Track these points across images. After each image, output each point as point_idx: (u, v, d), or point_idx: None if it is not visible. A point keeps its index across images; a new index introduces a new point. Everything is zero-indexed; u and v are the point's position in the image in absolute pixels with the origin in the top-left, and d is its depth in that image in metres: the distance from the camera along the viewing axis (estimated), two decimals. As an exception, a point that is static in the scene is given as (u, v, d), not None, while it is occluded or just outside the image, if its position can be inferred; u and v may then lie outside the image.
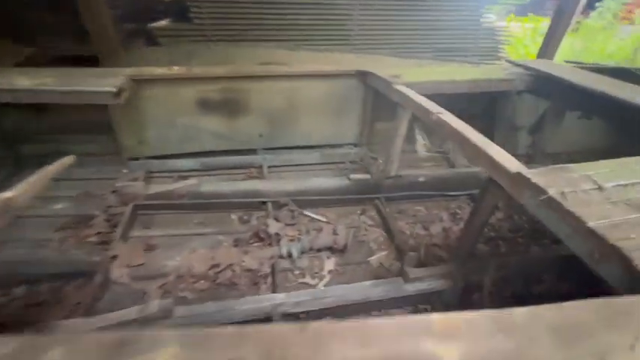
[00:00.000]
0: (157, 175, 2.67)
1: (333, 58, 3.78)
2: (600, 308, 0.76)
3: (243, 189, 2.52)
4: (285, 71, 2.75)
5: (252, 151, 2.94)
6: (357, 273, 2.19)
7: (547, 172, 1.25)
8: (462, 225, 2.79)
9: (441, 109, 1.84)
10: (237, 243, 2.26)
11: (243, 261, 2.07)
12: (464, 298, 1.82)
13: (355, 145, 3.15)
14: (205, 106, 2.63)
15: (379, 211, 2.73)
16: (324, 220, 2.57)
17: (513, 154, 3.50)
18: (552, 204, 1.11)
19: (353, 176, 2.66)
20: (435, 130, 1.80)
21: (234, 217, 2.50)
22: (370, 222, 2.66)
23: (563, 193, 1.13)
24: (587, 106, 2.43)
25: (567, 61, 3.56)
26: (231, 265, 2.05)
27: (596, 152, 3.72)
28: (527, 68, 2.62)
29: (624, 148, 3.13)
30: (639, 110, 1.87)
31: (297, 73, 2.77)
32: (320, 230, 2.46)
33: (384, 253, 2.37)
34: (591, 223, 1.00)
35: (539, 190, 1.16)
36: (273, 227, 2.32)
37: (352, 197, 2.69)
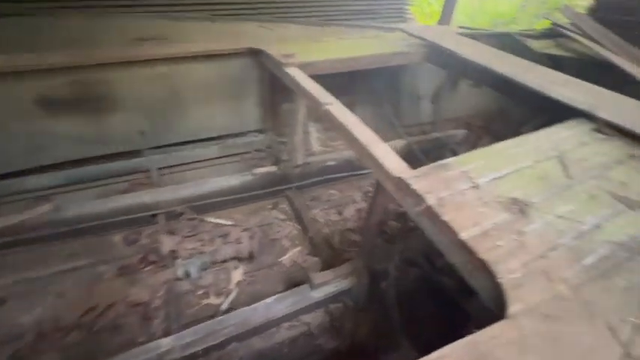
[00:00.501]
0: (1, 200, 2.07)
1: (229, 30, 3.28)
2: (465, 354, 0.70)
3: (124, 204, 2.11)
4: (158, 54, 2.25)
5: (135, 153, 2.47)
6: (269, 278, 2.05)
7: (428, 173, 1.18)
8: (374, 203, 2.83)
9: (331, 99, 1.66)
10: (122, 272, 1.91)
11: (129, 295, 1.76)
12: (373, 289, 1.81)
13: (260, 132, 2.87)
14: (52, 106, 2.05)
15: (291, 203, 2.58)
16: (231, 223, 2.33)
17: (419, 123, 3.72)
18: (430, 214, 1.04)
19: (257, 170, 2.42)
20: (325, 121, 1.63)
21: (117, 238, 2.10)
22: (282, 216, 2.50)
23: (440, 200, 1.06)
24: (475, 77, 2.50)
25: (461, 27, 3.66)
26: (113, 303, 1.72)
27: (490, 114, 4.08)
28: (421, 39, 2.56)
29: (513, 110, 3.44)
30: (515, 83, 1.94)
31: (176, 55, 2.30)
32: (227, 235, 2.22)
33: (297, 249, 2.26)
34: (463, 234, 0.95)
35: (418, 198, 1.08)
36: (167, 244, 2.00)
37: (260, 192, 2.48)
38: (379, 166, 1.25)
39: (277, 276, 2.06)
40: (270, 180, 2.47)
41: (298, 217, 2.47)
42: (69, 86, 2.05)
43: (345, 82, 2.92)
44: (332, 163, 2.69)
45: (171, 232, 2.11)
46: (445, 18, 6.37)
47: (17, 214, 1.91)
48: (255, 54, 2.47)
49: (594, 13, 3.59)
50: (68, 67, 1.98)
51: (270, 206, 2.57)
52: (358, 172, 2.88)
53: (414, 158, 2.99)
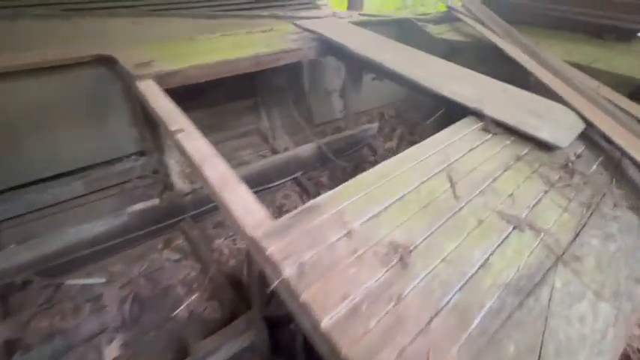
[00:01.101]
0: None
1: (85, 30, 2.63)
2: None
3: None
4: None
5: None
6: (157, 345, 1.67)
7: (291, 225, 0.91)
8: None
9: (183, 123, 1.30)
10: None
11: None
12: (278, 337, 1.55)
13: (141, 154, 2.37)
14: None
15: (187, 237, 2.18)
16: (102, 280, 1.86)
17: (332, 120, 3.52)
18: (288, 290, 0.78)
19: (133, 209, 1.96)
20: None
21: None
22: (176, 256, 2.10)
23: (301, 267, 0.80)
24: (372, 70, 2.34)
25: (362, 14, 3.50)
26: None
27: (402, 103, 4.06)
28: (313, 33, 2.30)
29: (422, 98, 3.41)
30: (407, 80, 1.78)
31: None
32: (99, 298, 1.76)
33: (194, 296, 1.90)
34: (325, 322, 0.71)
35: (275, 268, 0.81)
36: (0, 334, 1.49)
37: (143, 232, 2.03)
38: (232, 220, 0.95)
39: (168, 339, 1.69)
40: (153, 216, 2.03)
41: (196, 254, 2.09)
42: None
43: (245, 82, 2.55)
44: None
45: (7, 313, 1.58)
46: (355, 2, 6.25)
47: None
48: (110, 62, 1.96)
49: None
50: None
51: (160, 245, 2.14)
52: (269, 186, 2.58)
53: (326, 160, 2.78)
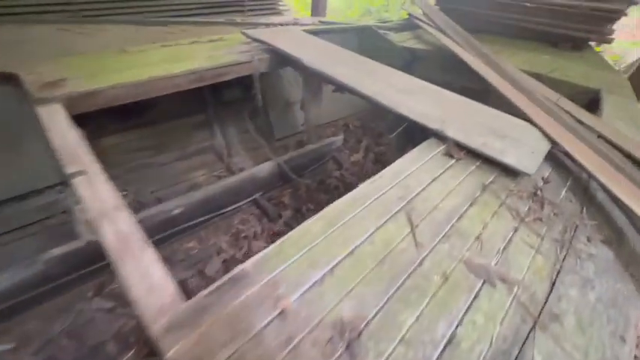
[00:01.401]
0: None
1: None
2: None
3: None
4: None
5: None
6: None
7: (207, 309, 0.70)
8: (246, 248, 2.34)
9: (87, 163, 1.04)
10: None
11: None
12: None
13: (66, 185, 2.04)
14: None
15: (124, 279, 1.88)
16: (10, 346, 1.53)
17: (295, 133, 3.32)
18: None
19: (50, 254, 1.64)
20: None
21: None
22: (109, 304, 1.80)
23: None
24: (330, 83, 2.17)
25: (322, 21, 3.35)
26: None
27: (368, 113, 3.94)
28: (262, 43, 2.09)
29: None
30: (364, 96, 1.62)
31: None
32: (6, 368, 1.44)
33: (130, 354, 1.61)
34: None
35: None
36: None
37: (64, 281, 1.71)
38: (131, 299, 0.72)
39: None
40: (78, 260, 1.72)
41: (136, 299, 1.80)
42: None
43: (192, 96, 2.28)
44: (178, 210, 2.06)
45: None
46: (318, 8, 6.12)
47: None
48: (13, 80, 1.64)
49: (440, 4, 3.67)
50: None
51: (90, 293, 1.83)
52: (224, 211, 2.33)
53: (288, 178, 2.57)
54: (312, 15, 6.10)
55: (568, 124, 1.61)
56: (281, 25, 3.37)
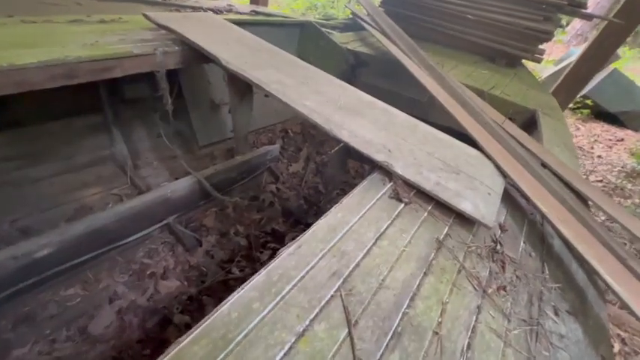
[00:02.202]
0: None
1: None
2: None
3: None
4: None
5: None
6: None
7: None
8: (152, 289, 1.85)
9: None
10: None
11: None
12: None
13: None
14: None
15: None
16: None
17: (222, 139, 2.85)
18: None
19: None
20: None
21: None
22: None
23: None
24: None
25: (254, 11, 2.92)
26: None
27: (301, 120, 3.61)
28: (170, 31, 1.62)
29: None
30: (298, 112, 1.29)
31: None
32: None
33: None
34: None
35: None
36: None
37: None
38: None
39: None
40: None
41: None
42: None
43: (82, 90, 1.68)
44: (47, 251, 1.50)
45: None
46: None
47: None
48: None
49: (385, 6, 3.50)
50: None
51: None
52: (125, 241, 1.81)
53: (207, 197, 2.13)
54: (250, 3, 5.56)
55: (517, 153, 1.48)
56: (212, 10, 2.86)
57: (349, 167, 2.78)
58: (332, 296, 0.71)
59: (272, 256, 2.11)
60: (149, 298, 1.76)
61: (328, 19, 3.46)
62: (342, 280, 0.75)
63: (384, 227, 0.91)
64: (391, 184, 1.08)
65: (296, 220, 2.45)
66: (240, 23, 2.06)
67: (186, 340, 0.57)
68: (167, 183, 2.27)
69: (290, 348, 0.60)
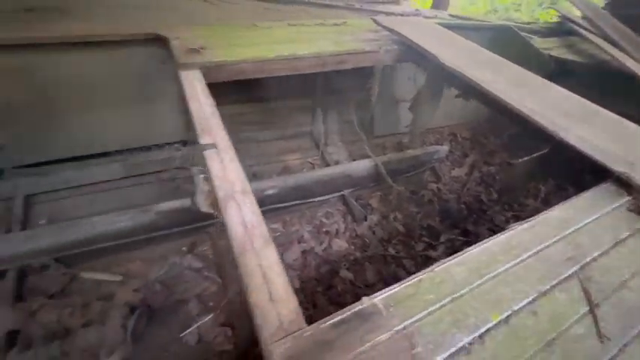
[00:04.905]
0: None
1: (149, 2, 2.51)
2: None
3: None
4: (9, 38, 1.55)
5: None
6: (157, 368, 1.48)
7: (332, 344, 0.59)
8: (327, 244, 2.25)
9: (219, 136, 1.03)
10: None
11: None
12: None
13: (185, 143, 2.21)
14: None
15: (214, 245, 1.98)
16: (118, 279, 1.72)
17: (395, 133, 3.09)
18: None
19: (161, 207, 1.78)
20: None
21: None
22: (199, 264, 1.90)
23: None
24: (459, 86, 1.90)
25: (452, 15, 2.98)
26: None
27: (480, 124, 3.47)
28: (393, 33, 1.90)
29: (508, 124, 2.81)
30: (511, 109, 1.34)
31: (39, 41, 1.60)
32: (112, 297, 1.62)
33: (208, 317, 1.68)
34: None
35: None
36: (4, 321, 1.39)
37: (169, 232, 1.85)
38: (251, 305, 0.65)
39: (171, 365, 1.49)
40: (181, 217, 1.84)
41: (220, 266, 1.88)
42: None
43: (304, 78, 2.24)
44: (271, 191, 2.07)
45: (20, 297, 1.49)
46: (441, 1, 5.60)
47: None
48: (164, 42, 1.77)
49: (613, 8, 2.95)
50: None
51: (185, 248, 1.96)
52: (308, 201, 2.28)
53: (380, 180, 2.39)
54: (432, 8, 5.62)
55: None
56: (401, 15, 3.12)
57: (530, 186, 2.55)
58: (569, 276, 0.77)
59: (426, 249, 2.23)
60: (324, 250, 2.16)
61: (527, 23, 3.19)
62: (579, 266, 0.79)
63: (624, 236, 0.88)
64: (629, 198, 1.00)
65: (452, 224, 2.45)
66: (445, 26, 2.19)
67: (449, 262, 0.75)
68: (346, 161, 2.69)
69: (532, 300, 0.71)
